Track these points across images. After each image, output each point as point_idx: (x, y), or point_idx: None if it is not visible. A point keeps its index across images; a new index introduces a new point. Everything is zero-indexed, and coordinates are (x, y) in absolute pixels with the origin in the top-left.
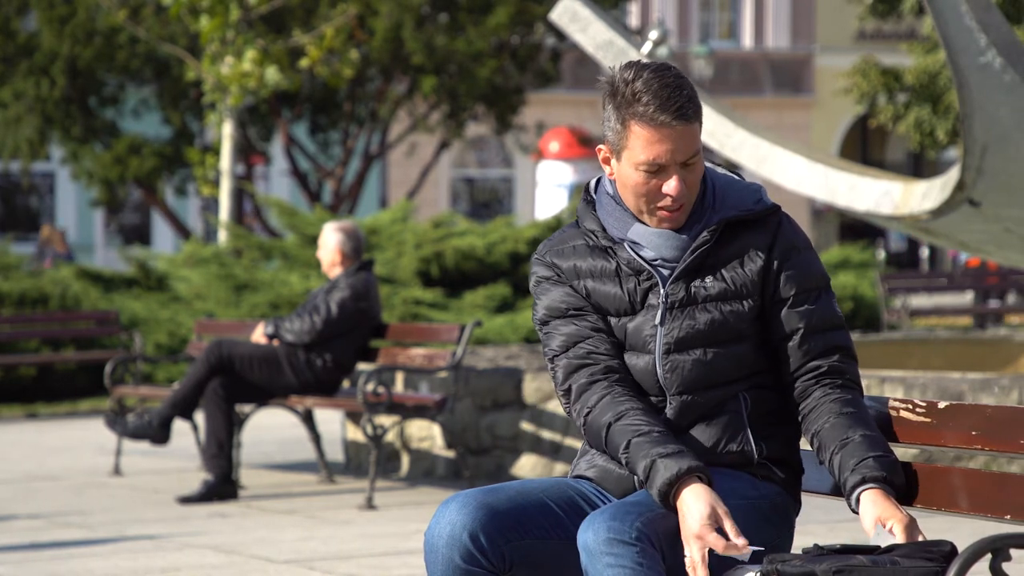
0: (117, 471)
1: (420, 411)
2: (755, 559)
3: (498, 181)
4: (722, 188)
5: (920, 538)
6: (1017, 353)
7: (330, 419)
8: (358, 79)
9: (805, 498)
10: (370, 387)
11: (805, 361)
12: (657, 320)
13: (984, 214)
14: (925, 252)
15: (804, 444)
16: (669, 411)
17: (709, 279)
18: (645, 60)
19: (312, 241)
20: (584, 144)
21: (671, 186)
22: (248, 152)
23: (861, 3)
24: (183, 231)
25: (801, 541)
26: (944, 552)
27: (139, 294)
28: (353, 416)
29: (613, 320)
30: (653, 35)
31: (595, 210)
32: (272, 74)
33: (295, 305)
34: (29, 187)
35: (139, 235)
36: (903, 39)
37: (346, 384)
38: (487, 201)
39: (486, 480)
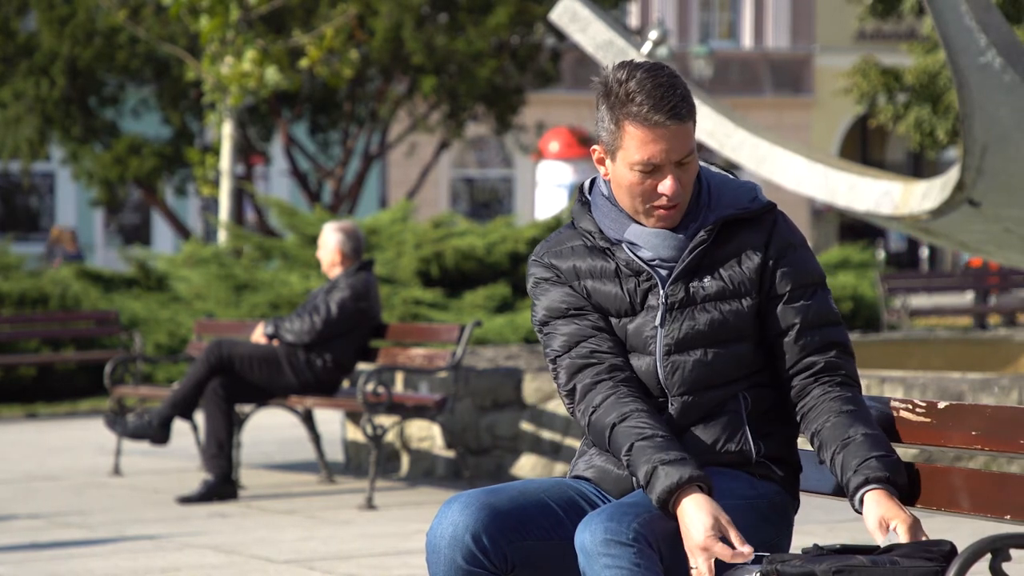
0: (117, 471)
1: (420, 411)
2: (755, 559)
3: (498, 181)
4: (717, 187)
5: (924, 538)
6: (1017, 353)
7: (330, 419)
8: (358, 79)
9: (805, 498)
10: (370, 387)
11: (802, 357)
12: (657, 321)
13: (984, 214)
14: (925, 252)
15: (803, 443)
16: (670, 411)
17: (707, 279)
18: (638, 60)
19: (312, 241)
20: (584, 144)
21: (666, 186)
22: (248, 152)
23: (861, 3)
24: (183, 231)
25: (801, 541)
26: (944, 552)
27: (139, 294)
28: (353, 416)
29: (613, 321)
30: (653, 35)
31: (590, 211)
32: (272, 74)
33: (295, 305)
34: (29, 187)
35: (139, 235)
36: (903, 39)
37: (346, 384)
38: (487, 201)
39: (486, 480)
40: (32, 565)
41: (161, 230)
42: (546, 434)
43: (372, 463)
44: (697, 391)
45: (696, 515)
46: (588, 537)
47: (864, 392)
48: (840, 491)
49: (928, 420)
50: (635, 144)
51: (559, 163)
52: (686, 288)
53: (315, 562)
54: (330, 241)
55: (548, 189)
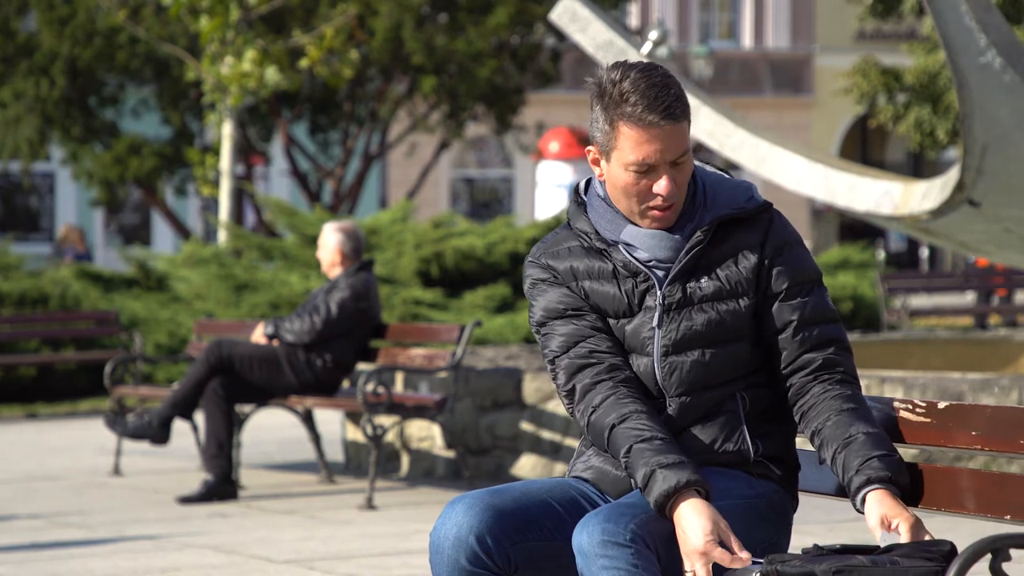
0: (117, 471)
1: (420, 411)
2: (754, 560)
3: (498, 181)
4: (712, 186)
5: (926, 538)
6: (1017, 353)
7: (330, 419)
8: (358, 79)
9: (805, 498)
10: (370, 387)
11: (799, 354)
12: (655, 322)
13: (984, 214)
14: (925, 252)
15: (802, 442)
16: (669, 412)
17: (704, 279)
18: (632, 60)
19: (312, 241)
20: (584, 144)
21: (661, 186)
22: (248, 152)
23: (861, 3)
24: (183, 231)
25: (801, 541)
26: (944, 552)
27: (139, 294)
28: (353, 416)
29: (611, 322)
30: (653, 35)
31: (586, 212)
32: (272, 74)
33: (295, 305)
34: (29, 187)
35: (139, 235)
36: (903, 39)
37: (346, 384)
38: (487, 201)
39: (486, 480)
40: (32, 565)
41: (161, 230)
42: (546, 434)
43: (372, 463)
44: (695, 391)
45: (694, 520)
46: (585, 538)
47: (864, 392)
48: (840, 491)
49: (928, 420)
50: (630, 144)
51: (559, 163)
52: (683, 289)
53: (315, 562)
54: (330, 241)
55: (548, 189)
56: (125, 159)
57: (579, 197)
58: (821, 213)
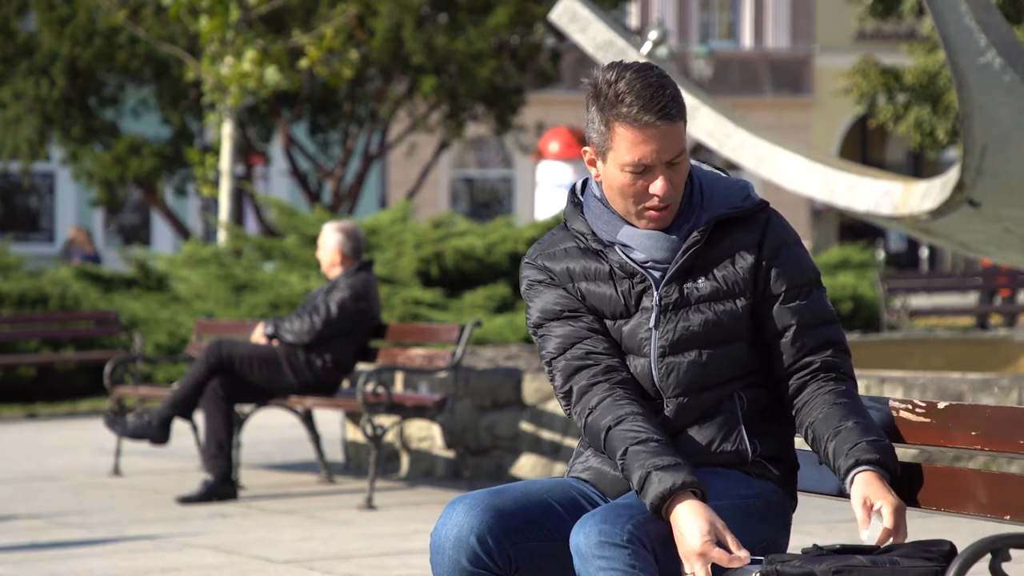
0: (117, 471)
1: (420, 411)
2: (753, 560)
3: (498, 181)
4: (709, 186)
5: (905, 525)
6: (1017, 353)
7: (330, 419)
8: (358, 79)
9: (804, 498)
10: (370, 387)
11: (799, 357)
12: (651, 323)
13: (984, 214)
14: (925, 252)
15: (801, 443)
16: (666, 413)
17: (701, 280)
18: (628, 61)
19: (312, 241)
20: (584, 145)
21: (657, 186)
22: (248, 152)
23: (861, 3)
24: (183, 231)
25: (800, 541)
26: (943, 552)
27: (139, 294)
28: (353, 416)
29: (608, 323)
30: (653, 35)
31: (582, 213)
32: (272, 74)
33: (295, 305)
34: (29, 187)
35: (139, 235)
36: (903, 39)
37: (346, 384)
38: (487, 201)
39: (486, 480)
40: (32, 565)
41: (161, 230)
42: (546, 434)
43: (372, 463)
44: (692, 392)
45: (691, 521)
46: (583, 539)
47: (864, 392)
48: (840, 491)
49: (928, 420)
50: (625, 145)
51: (559, 163)
52: (680, 289)
53: (315, 562)
54: (330, 241)
55: (548, 189)
56: (125, 159)
57: (575, 198)
58: (821, 213)
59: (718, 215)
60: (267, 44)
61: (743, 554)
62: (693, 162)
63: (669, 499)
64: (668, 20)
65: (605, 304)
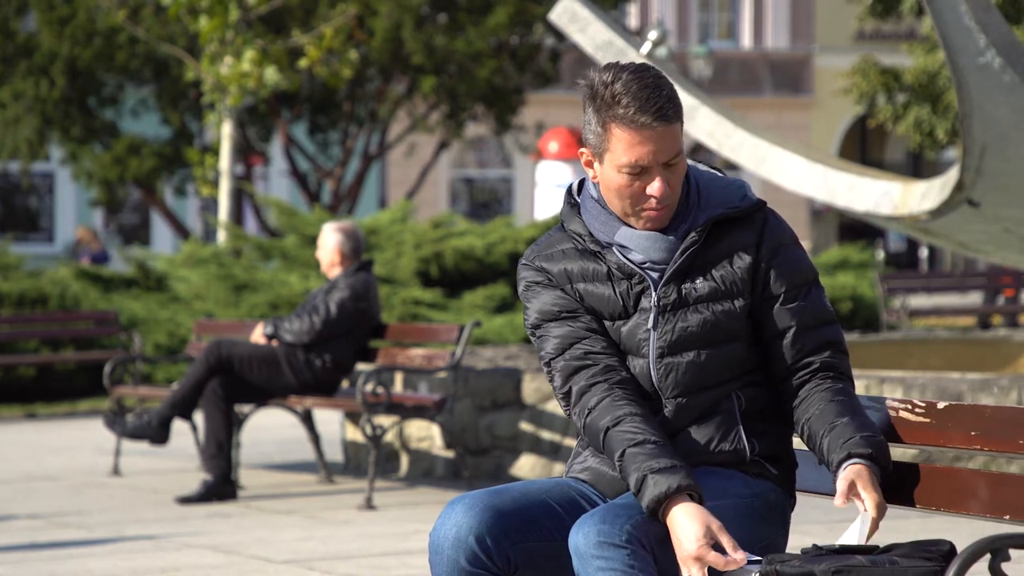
0: (116, 471)
1: (419, 411)
2: (752, 560)
3: (497, 181)
4: (706, 186)
5: (876, 528)
6: (1016, 353)
7: (329, 419)
8: (357, 79)
9: (804, 498)
10: (369, 387)
11: (798, 358)
12: (650, 324)
13: (983, 214)
14: (924, 252)
15: (800, 443)
16: (665, 413)
17: (699, 280)
18: (625, 61)
19: (311, 241)
20: (582, 145)
21: (654, 187)
22: (247, 152)
23: (860, 3)
24: (182, 231)
25: (799, 541)
26: (943, 552)
27: (138, 294)
28: (352, 416)
29: (607, 324)
30: (652, 35)
31: (579, 214)
32: (271, 74)
33: (294, 305)
34: (28, 187)
35: (138, 235)
36: (903, 39)
37: (345, 384)
38: (486, 201)
39: (485, 480)
40: (31, 565)
41: (160, 230)
42: (545, 434)
43: (371, 463)
44: (691, 392)
45: (687, 524)
46: (581, 539)
47: (864, 392)
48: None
49: (927, 420)
50: (622, 146)
51: (558, 163)
52: (678, 290)
53: (314, 562)
54: (329, 241)
55: (547, 189)
56: (124, 159)
57: (572, 198)
58: (820, 213)
59: (715, 215)
60: (267, 44)
61: (739, 556)
62: (690, 162)
63: (665, 503)
64: (667, 20)
65: (603, 305)
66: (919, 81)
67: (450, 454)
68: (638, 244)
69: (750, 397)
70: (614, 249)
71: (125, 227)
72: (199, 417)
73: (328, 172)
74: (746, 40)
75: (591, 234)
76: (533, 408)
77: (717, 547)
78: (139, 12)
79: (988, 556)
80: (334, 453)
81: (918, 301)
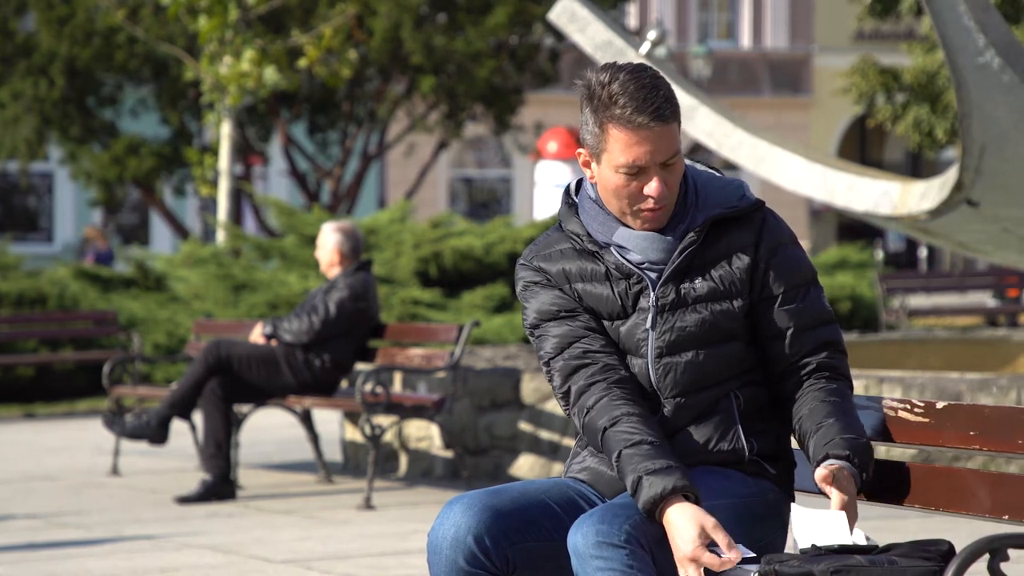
0: (115, 471)
1: (418, 411)
2: (750, 559)
3: (496, 181)
4: (704, 185)
5: (851, 526)
6: (1015, 353)
7: (328, 419)
8: (357, 79)
9: (802, 497)
10: (368, 387)
11: (796, 360)
12: (648, 324)
13: (982, 214)
14: (923, 252)
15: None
16: (664, 413)
17: (698, 280)
18: (622, 62)
19: (310, 241)
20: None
21: (652, 187)
22: (246, 152)
23: (859, 3)
24: (181, 231)
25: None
26: (942, 551)
27: (137, 294)
28: (351, 416)
29: (605, 323)
30: (651, 35)
31: (577, 214)
32: (270, 74)
33: (293, 305)
34: (27, 187)
35: (137, 235)
36: (902, 39)
37: (344, 384)
38: (485, 201)
39: (484, 480)
40: (29, 565)
41: (159, 230)
42: (544, 434)
43: (370, 463)
44: (690, 392)
45: (682, 525)
46: (580, 539)
47: (863, 392)
48: None
49: (926, 420)
50: (619, 147)
51: (557, 163)
52: (677, 290)
53: (313, 562)
54: (328, 241)
55: (546, 189)
56: (123, 159)
57: (570, 199)
58: (819, 213)
59: (714, 215)
60: (266, 44)
61: (734, 555)
62: (688, 162)
63: (660, 504)
64: (667, 20)
65: (602, 305)
66: (918, 81)
67: (449, 454)
68: (636, 244)
69: (749, 397)
70: (612, 249)
71: (124, 227)
72: (198, 417)
73: (327, 172)
74: (745, 40)
75: (589, 234)
76: (532, 408)
77: (714, 546)
78: (138, 12)
79: (987, 556)
80: (333, 453)
81: (917, 301)
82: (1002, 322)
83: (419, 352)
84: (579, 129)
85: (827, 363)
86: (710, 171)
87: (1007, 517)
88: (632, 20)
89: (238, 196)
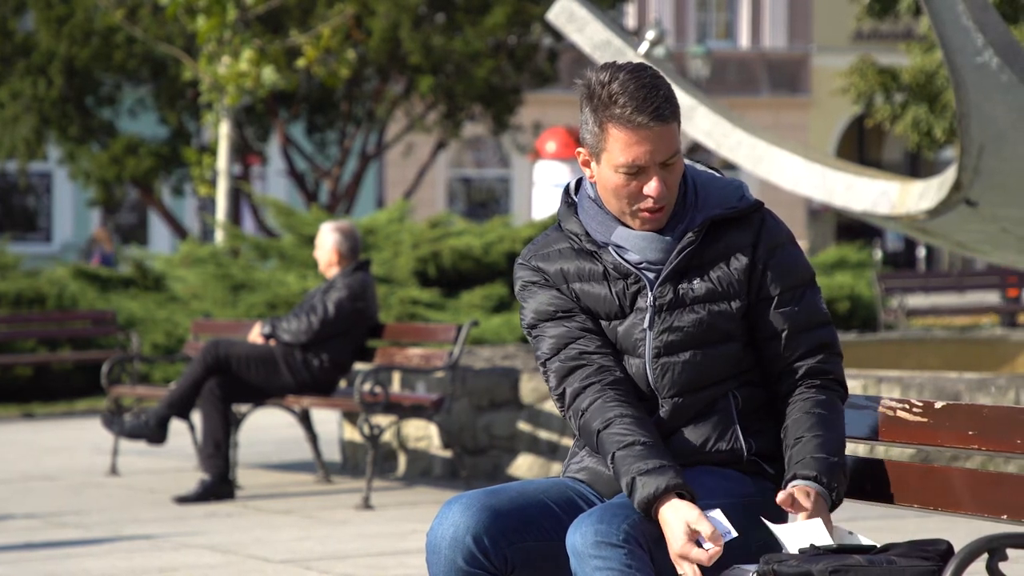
0: (114, 471)
1: (417, 411)
2: (751, 558)
3: (495, 181)
4: (703, 186)
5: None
6: (1014, 353)
7: (327, 419)
8: (355, 79)
9: None
10: (367, 387)
11: (791, 361)
12: (646, 324)
13: (981, 214)
14: (922, 252)
15: None
16: (661, 413)
17: (696, 280)
18: (622, 61)
19: (309, 241)
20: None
21: (651, 187)
22: (245, 152)
23: (858, 3)
24: (180, 231)
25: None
26: (940, 551)
27: (136, 294)
28: (350, 416)
29: (603, 323)
30: (650, 35)
31: (576, 213)
32: (269, 74)
33: (292, 305)
34: (26, 187)
35: (136, 235)
36: (900, 39)
37: (343, 384)
38: (484, 201)
39: (483, 480)
40: (28, 565)
41: (158, 230)
42: (543, 434)
43: (369, 463)
44: (688, 392)
45: (673, 524)
46: (579, 539)
47: (861, 392)
48: None
49: (925, 420)
50: (619, 146)
51: (556, 163)
52: (675, 290)
53: (312, 562)
54: (327, 241)
55: (545, 189)
56: (122, 159)
57: (569, 198)
58: (818, 213)
59: (713, 215)
60: (264, 44)
61: (713, 550)
62: (687, 162)
63: (655, 503)
64: (665, 20)
65: (599, 304)
66: (917, 81)
67: (448, 454)
68: (635, 244)
69: (747, 396)
70: (610, 249)
71: (123, 227)
72: (197, 417)
73: (326, 172)
74: (744, 40)
75: (588, 234)
76: (531, 408)
77: (701, 541)
78: (137, 12)
79: (985, 555)
80: (332, 453)
81: (916, 301)
82: (995, 322)
83: (418, 352)
84: (578, 129)
85: (821, 367)
86: (710, 171)
87: (1005, 517)
88: (630, 20)
89: (236, 196)
